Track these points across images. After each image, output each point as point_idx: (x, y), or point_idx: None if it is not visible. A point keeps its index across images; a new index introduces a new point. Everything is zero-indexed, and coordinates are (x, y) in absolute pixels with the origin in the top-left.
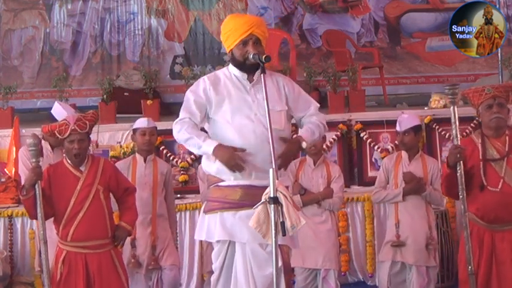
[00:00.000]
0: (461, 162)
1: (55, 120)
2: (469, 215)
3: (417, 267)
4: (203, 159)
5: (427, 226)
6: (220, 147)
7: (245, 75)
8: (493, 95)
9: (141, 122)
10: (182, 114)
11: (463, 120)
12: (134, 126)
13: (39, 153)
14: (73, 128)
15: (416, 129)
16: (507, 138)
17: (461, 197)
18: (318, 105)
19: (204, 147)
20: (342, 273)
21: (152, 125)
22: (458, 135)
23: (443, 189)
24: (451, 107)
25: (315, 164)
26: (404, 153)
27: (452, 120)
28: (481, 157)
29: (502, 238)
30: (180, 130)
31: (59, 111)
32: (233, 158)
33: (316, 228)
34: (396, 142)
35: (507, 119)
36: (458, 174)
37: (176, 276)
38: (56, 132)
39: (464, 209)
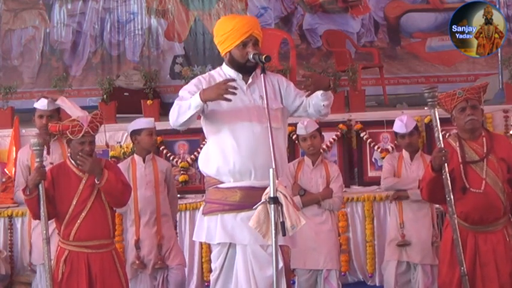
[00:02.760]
0: (446, 164)
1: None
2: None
3: (423, 266)
4: (200, 160)
5: (431, 224)
6: (204, 89)
7: (240, 76)
8: (465, 97)
9: (147, 122)
10: (175, 103)
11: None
12: (137, 127)
13: (42, 152)
14: (87, 130)
15: (417, 128)
16: (484, 139)
17: (448, 199)
18: None
19: (193, 102)
20: (342, 273)
21: (153, 124)
22: (441, 138)
23: (425, 194)
24: (431, 111)
25: (313, 165)
26: (405, 153)
27: (434, 123)
28: (460, 160)
29: (485, 239)
30: (172, 111)
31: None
32: (219, 86)
33: (317, 229)
34: (396, 143)
35: (481, 120)
36: (443, 177)
37: (183, 276)
38: (67, 132)
39: (452, 211)
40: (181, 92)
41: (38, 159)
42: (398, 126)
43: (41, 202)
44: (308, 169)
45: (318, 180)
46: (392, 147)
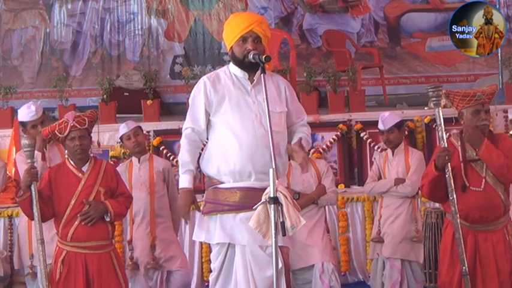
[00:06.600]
0: (449, 164)
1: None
2: (451, 217)
3: (391, 263)
4: (202, 160)
5: (409, 220)
6: (183, 194)
7: (246, 75)
8: (482, 101)
9: (122, 128)
10: (186, 121)
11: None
12: (119, 134)
13: (33, 153)
14: (72, 124)
15: (399, 125)
16: (485, 139)
17: (451, 198)
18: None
19: (180, 178)
20: (342, 273)
21: (133, 126)
22: (445, 137)
23: (425, 191)
24: (436, 110)
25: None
26: (389, 151)
27: (438, 122)
28: (461, 158)
29: (485, 238)
30: (183, 147)
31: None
32: (185, 208)
33: (310, 229)
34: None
35: (490, 123)
36: (447, 176)
37: (183, 280)
38: (56, 131)
39: (455, 210)
40: (191, 97)
41: (29, 160)
42: (379, 123)
43: (34, 203)
44: (297, 172)
45: (309, 180)
46: None
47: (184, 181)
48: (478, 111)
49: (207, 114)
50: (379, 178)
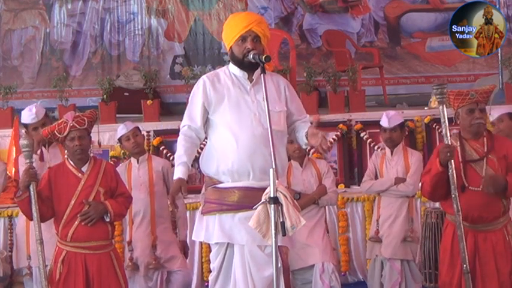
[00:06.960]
0: (453, 161)
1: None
2: (451, 217)
3: (391, 264)
4: (201, 160)
5: (406, 220)
6: (173, 183)
7: (246, 75)
8: (476, 100)
9: (121, 129)
10: (184, 119)
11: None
12: (118, 135)
13: (32, 153)
14: (72, 124)
15: (402, 126)
16: (485, 139)
17: (453, 196)
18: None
19: (175, 169)
20: (342, 273)
21: (131, 127)
22: (448, 135)
23: (427, 188)
24: (440, 107)
25: (301, 166)
26: (387, 150)
27: (442, 120)
28: (460, 159)
29: (485, 238)
30: (178, 143)
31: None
32: (174, 192)
33: (311, 229)
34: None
35: (486, 123)
36: (450, 173)
37: (184, 280)
38: (55, 131)
39: (457, 208)
40: (191, 96)
41: (27, 161)
42: (383, 120)
43: (33, 203)
44: (297, 172)
45: (310, 180)
46: None
47: (177, 172)
48: (472, 110)
49: (206, 113)
50: (376, 177)
